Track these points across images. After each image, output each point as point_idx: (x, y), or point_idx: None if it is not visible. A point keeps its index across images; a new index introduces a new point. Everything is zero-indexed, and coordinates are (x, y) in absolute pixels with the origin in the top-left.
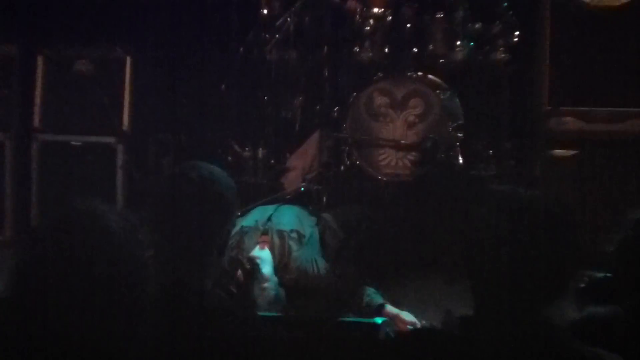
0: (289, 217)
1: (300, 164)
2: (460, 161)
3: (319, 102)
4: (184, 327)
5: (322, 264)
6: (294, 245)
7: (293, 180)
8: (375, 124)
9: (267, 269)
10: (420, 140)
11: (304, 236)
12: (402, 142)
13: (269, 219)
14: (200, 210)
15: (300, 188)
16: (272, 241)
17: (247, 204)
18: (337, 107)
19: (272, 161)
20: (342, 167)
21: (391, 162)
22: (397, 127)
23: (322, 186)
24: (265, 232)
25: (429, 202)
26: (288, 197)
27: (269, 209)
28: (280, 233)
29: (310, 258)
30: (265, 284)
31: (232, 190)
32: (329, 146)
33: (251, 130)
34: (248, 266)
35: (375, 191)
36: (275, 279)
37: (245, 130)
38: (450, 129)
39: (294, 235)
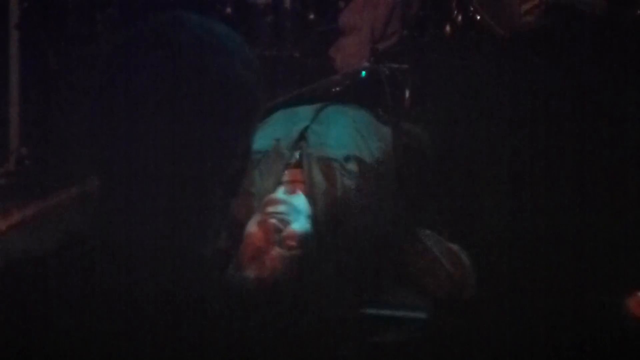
0: (340, 131)
1: (366, 21)
2: None
3: None
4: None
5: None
6: (351, 185)
7: (352, 53)
8: None
9: (301, 225)
10: None
11: (371, 165)
12: None
13: (302, 135)
14: (192, 105)
15: (361, 70)
16: (310, 178)
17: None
18: None
19: (312, 16)
20: (447, 27)
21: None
22: None
23: (407, 65)
24: (295, 163)
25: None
26: (337, 89)
27: (302, 114)
28: (326, 162)
29: (383, 206)
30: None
31: (252, 67)
32: None
33: None
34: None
35: (515, 75)
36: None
37: None
38: None
39: (352, 166)
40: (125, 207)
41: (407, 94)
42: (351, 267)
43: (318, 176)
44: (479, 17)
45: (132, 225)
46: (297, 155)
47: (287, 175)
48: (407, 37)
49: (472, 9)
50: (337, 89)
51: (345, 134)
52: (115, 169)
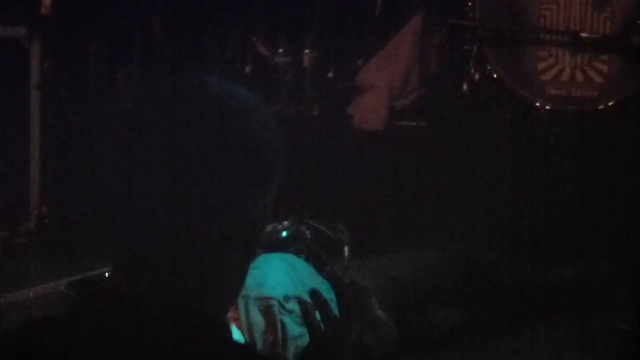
0: (277, 273)
1: (385, 79)
2: None
3: None
4: None
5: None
6: (290, 325)
7: (372, 111)
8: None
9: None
10: (620, 31)
11: (312, 306)
12: (584, 34)
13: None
14: (211, 167)
15: (280, 233)
16: (247, 319)
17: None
18: None
19: (330, 74)
20: (466, 86)
21: (562, 75)
22: (574, 4)
23: (424, 121)
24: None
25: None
26: (266, 241)
27: None
28: (264, 301)
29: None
30: None
31: (271, 129)
32: (438, 45)
33: (289, 14)
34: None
35: (528, 130)
36: None
37: (278, 14)
38: None
39: (292, 305)
40: (142, 268)
41: (346, 251)
42: None
43: (257, 316)
44: (495, 76)
45: (148, 288)
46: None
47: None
48: (425, 95)
49: (489, 67)
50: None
51: (282, 276)
52: (132, 227)
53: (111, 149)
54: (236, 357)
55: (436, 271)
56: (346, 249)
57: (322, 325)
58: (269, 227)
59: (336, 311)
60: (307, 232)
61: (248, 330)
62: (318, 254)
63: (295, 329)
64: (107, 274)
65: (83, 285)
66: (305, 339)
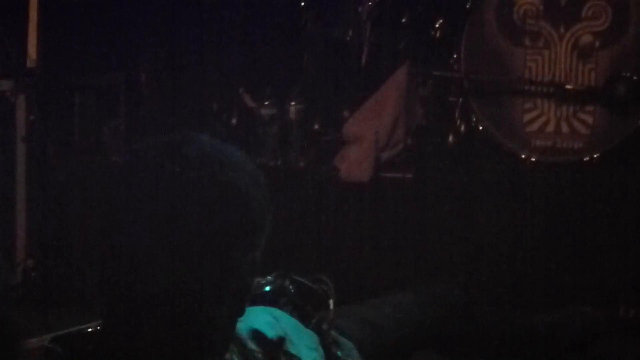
0: (261, 326)
1: (371, 129)
2: None
3: (403, 11)
4: None
5: None
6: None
7: (358, 162)
8: (514, 50)
9: None
10: (604, 82)
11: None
12: (569, 86)
13: None
14: (201, 224)
15: (263, 287)
16: None
17: None
18: (440, 21)
19: (316, 126)
20: (451, 137)
21: (547, 127)
22: (559, 56)
23: (411, 173)
24: None
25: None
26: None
27: None
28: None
29: None
30: None
31: (258, 182)
32: (424, 96)
33: (276, 65)
34: None
35: (514, 181)
36: None
37: (264, 66)
38: None
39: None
40: (133, 323)
41: (331, 304)
42: None
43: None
44: (481, 127)
45: (138, 343)
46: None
47: None
48: (411, 146)
49: (474, 119)
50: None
51: (266, 327)
52: (123, 283)
53: (102, 204)
54: None
55: (417, 315)
56: (331, 302)
57: None
58: (254, 283)
59: None
60: (291, 286)
61: None
62: (303, 308)
63: None
64: (92, 329)
65: (68, 340)
66: None
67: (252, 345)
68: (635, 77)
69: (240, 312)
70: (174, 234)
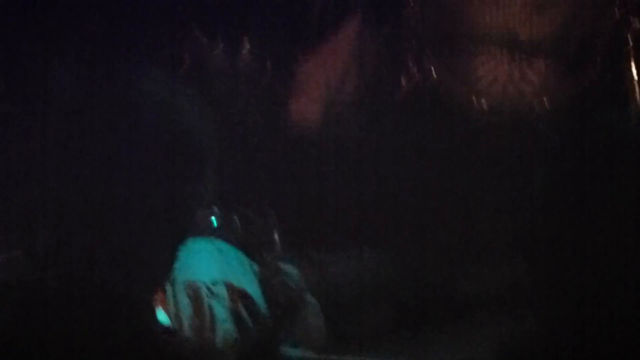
0: (206, 258)
1: (323, 75)
2: (637, 78)
3: None
4: None
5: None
6: (218, 308)
7: (310, 105)
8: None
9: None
10: (556, 36)
11: (241, 292)
12: (522, 37)
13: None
14: (144, 155)
15: (210, 219)
16: (175, 302)
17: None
18: None
19: (269, 65)
20: (404, 84)
21: (500, 77)
22: (513, 8)
23: (362, 119)
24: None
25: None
26: (196, 228)
27: None
28: (192, 285)
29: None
30: None
31: (206, 122)
32: (378, 43)
33: (229, 5)
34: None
35: (466, 130)
36: None
37: (218, 5)
38: (617, 14)
39: (220, 289)
40: (71, 252)
41: (276, 237)
42: None
43: (184, 300)
44: (435, 76)
45: (76, 273)
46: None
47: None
48: (364, 93)
49: (427, 68)
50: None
51: (211, 260)
52: (63, 212)
53: (45, 137)
54: (159, 339)
55: (374, 271)
56: (276, 235)
57: (250, 322)
58: (199, 214)
59: (263, 304)
60: (237, 218)
61: (175, 314)
62: (248, 240)
63: (222, 312)
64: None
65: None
66: (232, 323)
67: (197, 284)
68: (587, 30)
69: (179, 242)
70: (117, 164)
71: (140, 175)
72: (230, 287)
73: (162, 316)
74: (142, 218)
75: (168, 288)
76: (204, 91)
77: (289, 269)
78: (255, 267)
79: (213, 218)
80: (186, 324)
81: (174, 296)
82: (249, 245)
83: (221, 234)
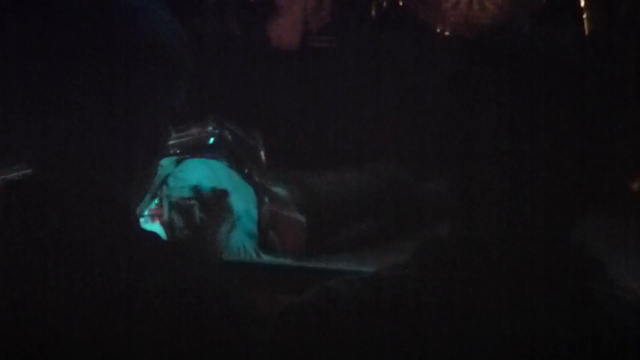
0: (199, 179)
1: (299, 2)
2: (582, 3)
3: None
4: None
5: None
6: (210, 218)
7: (287, 30)
8: None
9: None
10: None
11: (232, 209)
12: None
13: (164, 180)
14: (119, 63)
15: (207, 139)
16: (168, 216)
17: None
18: None
19: None
20: (373, 11)
21: (461, 3)
22: None
23: (335, 42)
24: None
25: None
26: (191, 146)
27: (161, 165)
28: (185, 203)
29: (239, 244)
30: None
31: (178, 35)
32: None
33: None
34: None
35: (429, 53)
36: None
37: None
38: None
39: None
40: (59, 164)
41: (262, 155)
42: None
43: (177, 215)
44: (401, 2)
45: (65, 183)
46: (156, 200)
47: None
48: (337, 17)
49: None
50: (191, 146)
51: (204, 179)
52: (49, 123)
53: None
54: (143, 243)
55: (357, 187)
56: (262, 153)
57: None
58: (195, 131)
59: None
60: (230, 136)
61: (169, 227)
62: (239, 159)
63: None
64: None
65: (6, 184)
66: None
67: (182, 192)
68: None
69: (158, 155)
70: (95, 77)
71: (115, 84)
72: (221, 206)
73: (158, 229)
74: (119, 129)
75: (165, 205)
76: (190, 19)
77: (277, 189)
78: (248, 186)
79: (211, 139)
80: (178, 236)
81: (169, 212)
82: (240, 163)
83: (214, 152)
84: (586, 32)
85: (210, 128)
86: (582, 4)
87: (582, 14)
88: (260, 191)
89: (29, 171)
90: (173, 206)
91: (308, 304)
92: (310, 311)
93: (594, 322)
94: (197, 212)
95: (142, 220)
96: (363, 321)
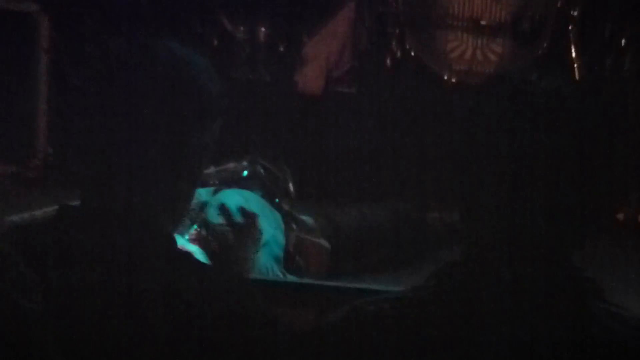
0: (236, 203)
1: (324, 52)
2: (574, 54)
3: None
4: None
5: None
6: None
7: (313, 78)
8: None
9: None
10: (512, 20)
11: (261, 233)
12: (483, 22)
13: (202, 210)
14: (161, 105)
15: (242, 172)
16: (205, 236)
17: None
18: None
19: (281, 48)
20: (389, 60)
21: (465, 54)
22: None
23: (355, 88)
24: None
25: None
26: (228, 178)
27: (201, 195)
28: (221, 227)
29: (267, 266)
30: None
31: (217, 83)
32: (368, 27)
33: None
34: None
35: (438, 98)
36: None
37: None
38: (560, 3)
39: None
40: (107, 192)
41: (290, 187)
42: None
43: (212, 239)
44: (413, 53)
45: (112, 207)
46: (195, 226)
47: (190, 234)
48: (356, 66)
49: (408, 46)
50: (224, 179)
51: (238, 207)
52: (103, 158)
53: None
54: (180, 262)
55: (374, 221)
56: (290, 185)
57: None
58: (231, 166)
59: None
60: (262, 171)
61: (206, 249)
62: (270, 191)
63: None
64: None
65: (62, 208)
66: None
67: (218, 218)
68: (537, 16)
69: (194, 184)
70: (143, 117)
71: (158, 123)
72: (251, 228)
73: (196, 251)
74: (160, 161)
75: (202, 228)
76: (229, 66)
77: (304, 217)
78: (277, 214)
79: (245, 172)
80: (213, 255)
81: (206, 234)
82: (271, 194)
83: (247, 184)
84: (576, 78)
85: (244, 163)
86: (573, 55)
87: (573, 64)
88: (288, 219)
89: (84, 198)
90: (210, 230)
91: (337, 321)
92: (340, 328)
93: (593, 334)
94: (231, 236)
95: (182, 243)
96: (389, 337)
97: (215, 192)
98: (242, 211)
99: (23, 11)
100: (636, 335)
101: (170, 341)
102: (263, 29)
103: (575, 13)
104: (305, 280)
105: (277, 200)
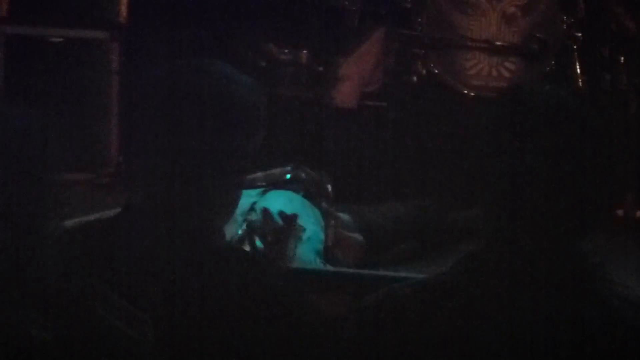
0: (279, 206)
1: (358, 72)
2: (577, 70)
3: None
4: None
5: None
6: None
7: (348, 94)
8: (461, 17)
9: None
10: (522, 41)
11: (303, 230)
12: (498, 42)
13: (252, 208)
14: (213, 118)
15: (286, 175)
16: (251, 233)
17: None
18: None
19: (320, 68)
20: (415, 78)
21: (482, 71)
22: (492, 22)
23: (385, 103)
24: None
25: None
26: (274, 180)
27: (251, 195)
28: (267, 224)
29: (310, 258)
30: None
31: (260, 99)
32: (396, 49)
33: (293, 25)
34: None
35: (459, 110)
36: None
37: (285, 25)
38: (564, 26)
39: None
40: (163, 193)
41: (329, 189)
42: None
43: (260, 235)
44: (436, 71)
45: (168, 207)
46: (244, 225)
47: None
48: (386, 84)
49: (432, 65)
50: (269, 182)
51: (283, 207)
52: (162, 167)
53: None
54: (228, 256)
55: (402, 217)
56: (329, 187)
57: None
58: (277, 170)
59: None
60: (303, 175)
61: (254, 244)
62: (311, 191)
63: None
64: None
65: (128, 207)
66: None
67: (261, 220)
68: (544, 37)
69: (240, 186)
70: (193, 130)
71: (207, 134)
72: (295, 226)
73: (245, 245)
74: (209, 166)
75: (251, 225)
76: (275, 85)
77: (341, 214)
78: (317, 212)
79: (288, 175)
80: (260, 249)
81: (255, 230)
82: (312, 194)
83: (291, 186)
84: (580, 91)
85: (288, 167)
86: (577, 71)
87: (577, 79)
88: (328, 216)
89: (148, 200)
90: (258, 227)
91: (371, 304)
92: (373, 310)
93: (600, 312)
94: (272, 234)
95: (234, 238)
96: (416, 318)
97: (264, 192)
98: (282, 214)
99: (97, 38)
100: None
101: (224, 325)
102: (304, 52)
103: (579, 34)
104: (343, 270)
105: (317, 199)
